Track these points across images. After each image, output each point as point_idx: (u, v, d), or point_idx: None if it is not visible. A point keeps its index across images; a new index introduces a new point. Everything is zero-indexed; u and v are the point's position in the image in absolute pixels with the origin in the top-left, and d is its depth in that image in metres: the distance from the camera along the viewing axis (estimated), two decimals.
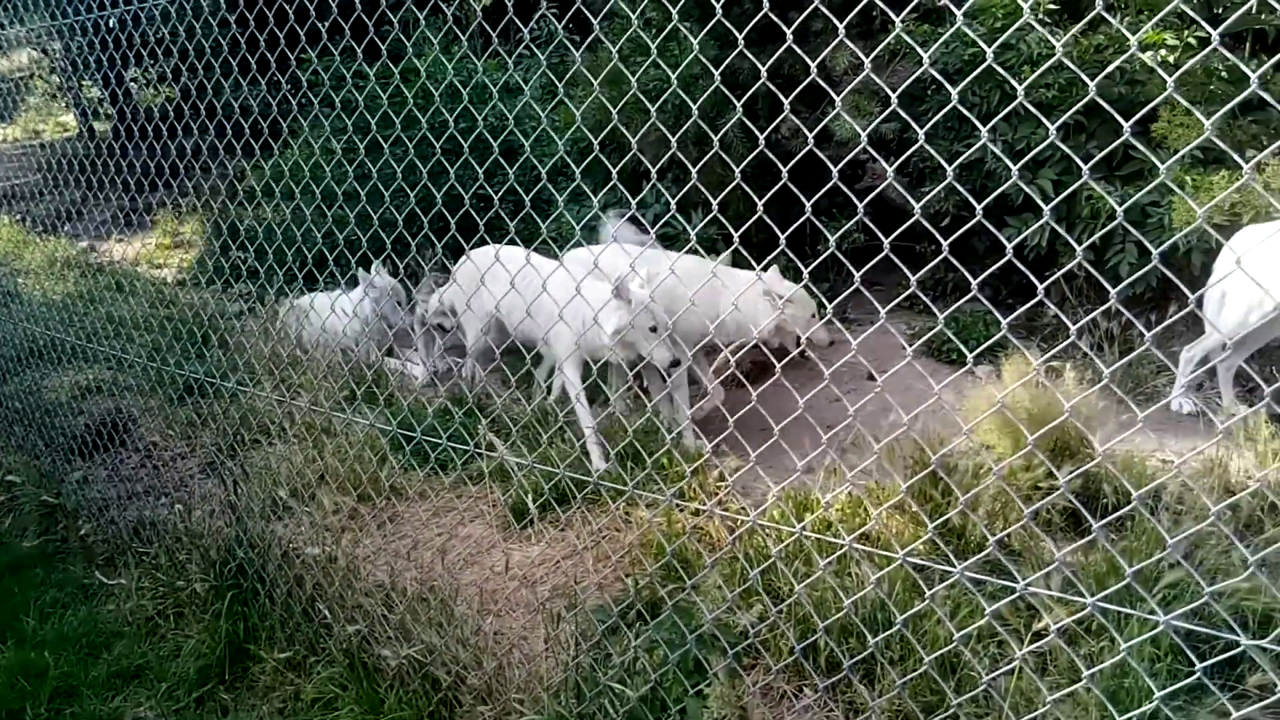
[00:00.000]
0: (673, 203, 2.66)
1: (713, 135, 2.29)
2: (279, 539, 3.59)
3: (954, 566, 2.29)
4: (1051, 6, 4.74)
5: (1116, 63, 1.88)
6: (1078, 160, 1.95)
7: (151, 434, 5.18)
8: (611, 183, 2.47)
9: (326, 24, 2.79)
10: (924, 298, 2.10)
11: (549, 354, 4.57)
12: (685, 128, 2.45)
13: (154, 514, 4.26)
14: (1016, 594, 2.11)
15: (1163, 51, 4.47)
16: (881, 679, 2.64)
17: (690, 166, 2.30)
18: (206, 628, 3.56)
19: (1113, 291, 1.76)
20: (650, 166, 2.44)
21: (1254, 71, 1.65)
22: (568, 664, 2.91)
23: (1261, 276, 3.63)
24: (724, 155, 2.30)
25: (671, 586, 2.94)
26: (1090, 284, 4.84)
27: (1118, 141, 1.95)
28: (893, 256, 2.08)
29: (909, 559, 2.41)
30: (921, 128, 1.97)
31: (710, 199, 2.43)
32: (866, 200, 2.16)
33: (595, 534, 3.57)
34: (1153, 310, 4.66)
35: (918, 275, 2.09)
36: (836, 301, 2.31)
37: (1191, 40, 4.47)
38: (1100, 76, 1.91)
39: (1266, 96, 1.58)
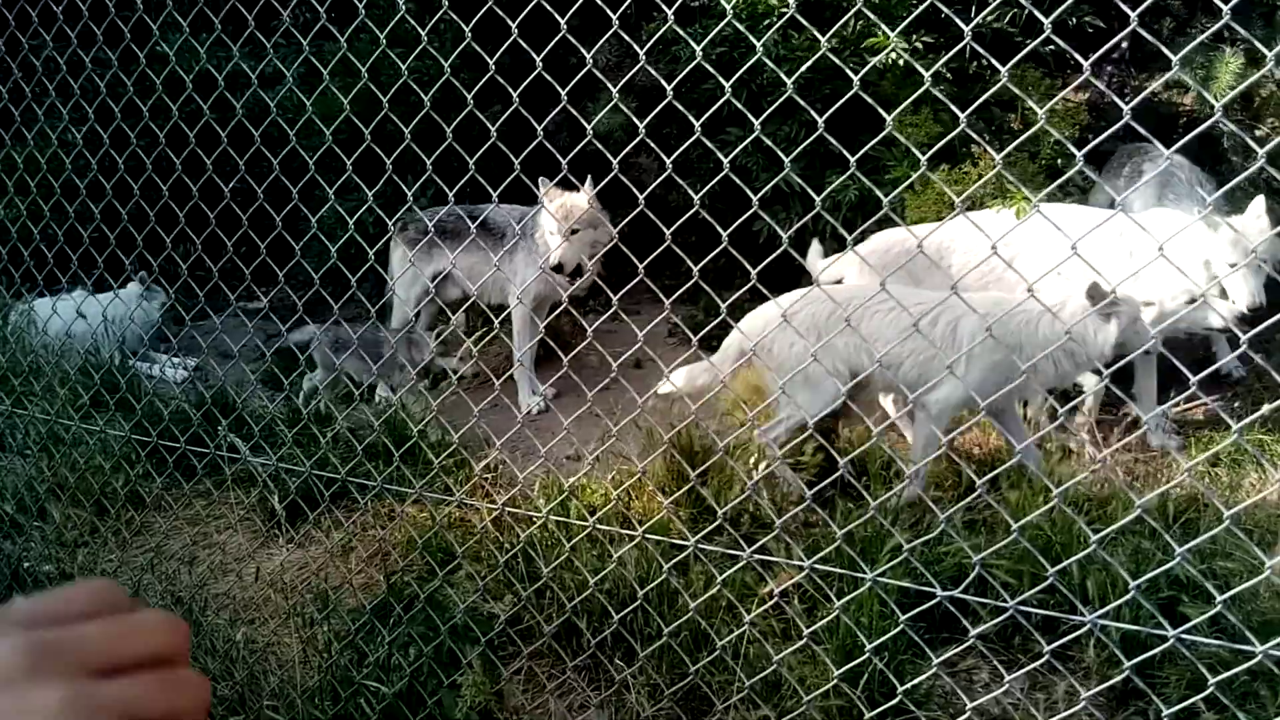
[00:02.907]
0: (450, 193, 2.62)
1: (490, 126, 2.26)
2: (7, 557, 3.25)
3: (688, 541, 2.42)
4: (784, 10, 4.99)
5: (873, 61, 2.01)
6: (846, 153, 2.08)
7: None
8: (387, 174, 2.39)
9: (61, 6, 2.53)
10: (704, 285, 2.17)
11: None
12: (458, 120, 2.40)
13: None
14: (742, 562, 2.27)
15: (891, 53, 4.82)
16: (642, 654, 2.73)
17: (467, 157, 2.26)
18: None
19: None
20: (425, 158, 2.37)
21: (1004, 68, 1.83)
22: (322, 667, 2.86)
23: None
24: (501, 146, 2.27)
25: (437, 582, 2.91)
26: None
27: (882, 134, 2.08)
28: (675, 248, 2.14)
29: (649, 535, 2.54)
30: (680, 123, 2.04)
31: (490, 190, 2.40)
32: (646, 193, 2.20)
33: (351, 534, 3.46)
34: None
35: (700, 265, 2.17)
36: (621, 293, 2.36)
37: (918, 44, 4.84)
38: (863, 72, 2.05)
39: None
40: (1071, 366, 3.36)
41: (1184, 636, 1.78)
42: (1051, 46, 2.33)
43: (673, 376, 3.59)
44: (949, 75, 4.77)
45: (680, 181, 2.26)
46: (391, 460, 2.98)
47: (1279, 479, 3.25)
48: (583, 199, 4.31)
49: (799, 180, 4.59)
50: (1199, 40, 1.79)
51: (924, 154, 2.08)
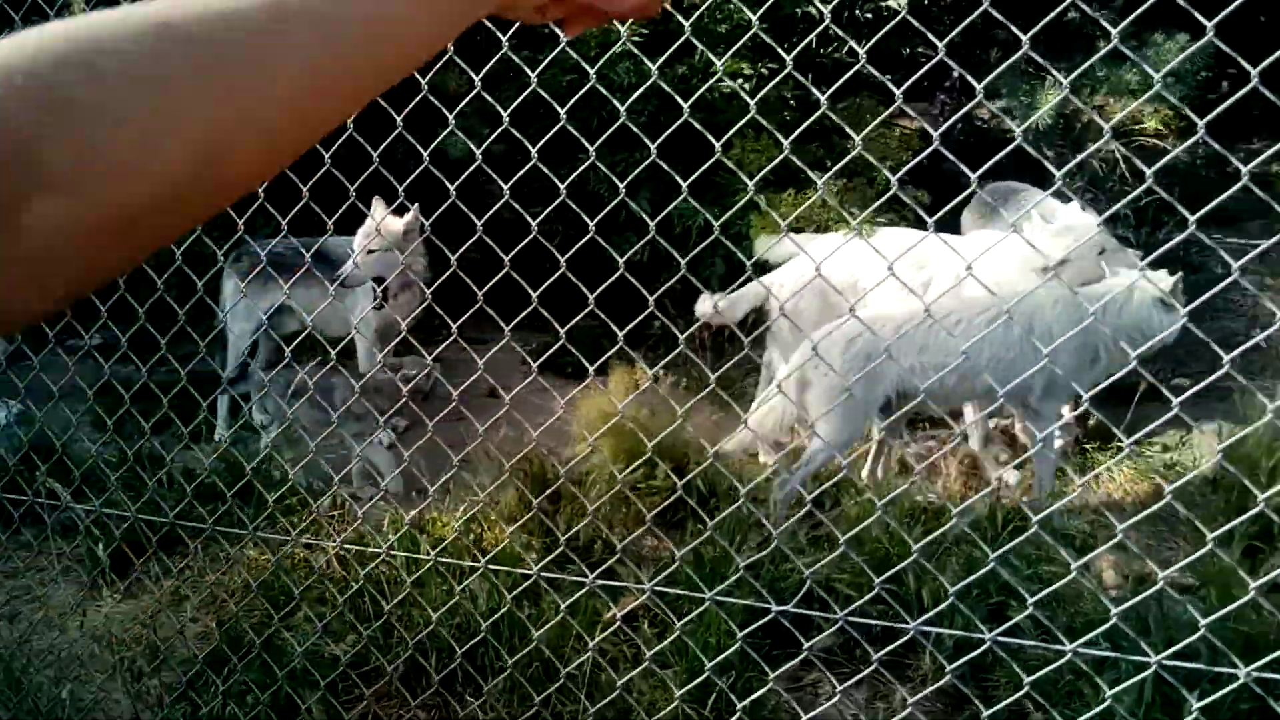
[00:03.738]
0: (284, 223, 2.54)
1: (323, 153, 2.21)
2: None
3: (531, 570, 2.41)
4: (637, 39, 5.08)
5: (702, 89, 2.06)
6: (679, 179, 2.11)
7: None
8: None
9: None
10: (546, 313, 2.17)
11: None
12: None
13: None
14: (586, 588, 2.28)
15: (740, 81, 4.95)
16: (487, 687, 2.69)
17: (299, 184, 2.20)
18: None
19: (713, 298, 1.92)
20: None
21: (824, 95, 1.89)
22: None
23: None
24: (336, 173, 2.23)
25: (274, 626, 2.81)
26: (684, 296, 5.25)
27: (710, 161, 2.13)
28: (514, 275, 2.14)
29: (493, 566, 2.52)
30: (533, 148, 2.04)
31: (326, 219, 2.34)
32: (485, 218, 2.19)
33: (183, 581, 3.30)
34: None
35: (538, 291, 2.16)
36: (460, 321, 2.34)
37: (764, 70, 4.99)
38: (691, 101, 2.09)
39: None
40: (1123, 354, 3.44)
41: (1002, 639, 1.86)
42: (888, 75, 2.47)
43: (750, 422, 3.59)
44: (793, 103, 4.93)
45: (517, 206, 2.25)
46: (228, 501, 2.86)
47: (1080, 484, 3.44)
48: (393, 223, 4.33)
49: (638, 207, 4.66)
50: (999, 70, 1.92)
51: (768, 179, 2.15)
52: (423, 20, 0.68)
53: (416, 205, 4.12)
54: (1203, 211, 1.74)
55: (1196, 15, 1.64)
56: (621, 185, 2.06)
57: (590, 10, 0.82)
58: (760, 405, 3.82)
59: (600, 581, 2.21)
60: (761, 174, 2.20)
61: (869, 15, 5.09)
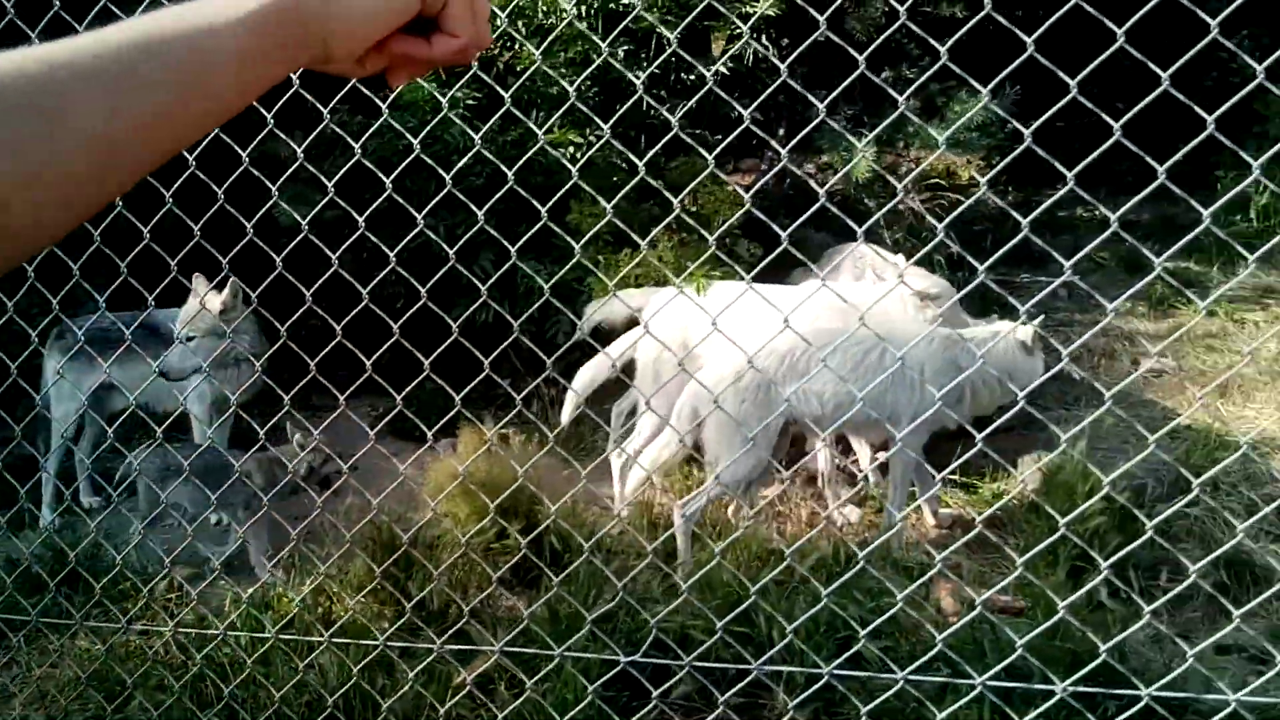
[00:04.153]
0: (101, 298, 2.45)
1: (142, 228, 2.16)
2: None
3: (377, 640, 2.37)
4: (471, 102, 5.12)
5: (530, 151, 2.11)
6: (508, 244, 2.15)
7: None
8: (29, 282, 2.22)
9: None
10: (381, 380, 2.16)
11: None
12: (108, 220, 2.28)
13: None
14: (434, 654, 2.26)
15: (570, 148, 5.05)
16: None
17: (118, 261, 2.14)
18: None
19: (548, 361, 1.96)
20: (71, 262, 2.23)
21: (641, 159, 1.97)
22: None
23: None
24: (155, 248, 2.18)
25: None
26: (533, 355, 5.27)
27: (537, 226, 2.17)
28: (345, 343, 2.12)
29: (336, 640, 2.47)
30: (363, 215, 2.05)
31: (144, 292, 2.28)
32: (314, 288, 2.17)
33: (10, 679, 3.09)
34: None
35: (372, 359, 2.15)
36: (298, 388, 2.30)
37: (593, 138, 5.11)
38: (517, 165, 2.14)
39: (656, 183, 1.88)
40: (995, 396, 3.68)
41: (841, 672, 1.93)
42: (719, 136, 2.61)
43: (642, 459, 3.76)
44: (624, 166, 5.06)
45: (345, 274, 2.24)
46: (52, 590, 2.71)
47: (900, 519, 3.62)
48: (209, 304, 4.20)
49: (478, 269, 4.70)
50: (811, 126, 2.08)
51: (607, 239, 2.22)
52: (232, 75, 0.70)
53: (233, 280, 4.02)
54: (1006, 248, 1.88)
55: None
56: (451, 250, 2.09)
57: (410, 60, 0.85)
58: (653, 446, 3.93)
59: (449, 646, 2.19)
60: (590, 234, 2.26)
61: (692, 78, 5.29)
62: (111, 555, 3.06)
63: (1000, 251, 1.94)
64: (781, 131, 6.13)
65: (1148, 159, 1.90)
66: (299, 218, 2.23)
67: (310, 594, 2.92)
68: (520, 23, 5.23)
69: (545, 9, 5.15)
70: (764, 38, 5.73)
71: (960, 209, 2.26)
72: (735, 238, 5.11)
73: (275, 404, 5.04)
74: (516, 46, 5.05)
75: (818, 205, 1.97)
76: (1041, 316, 3.82)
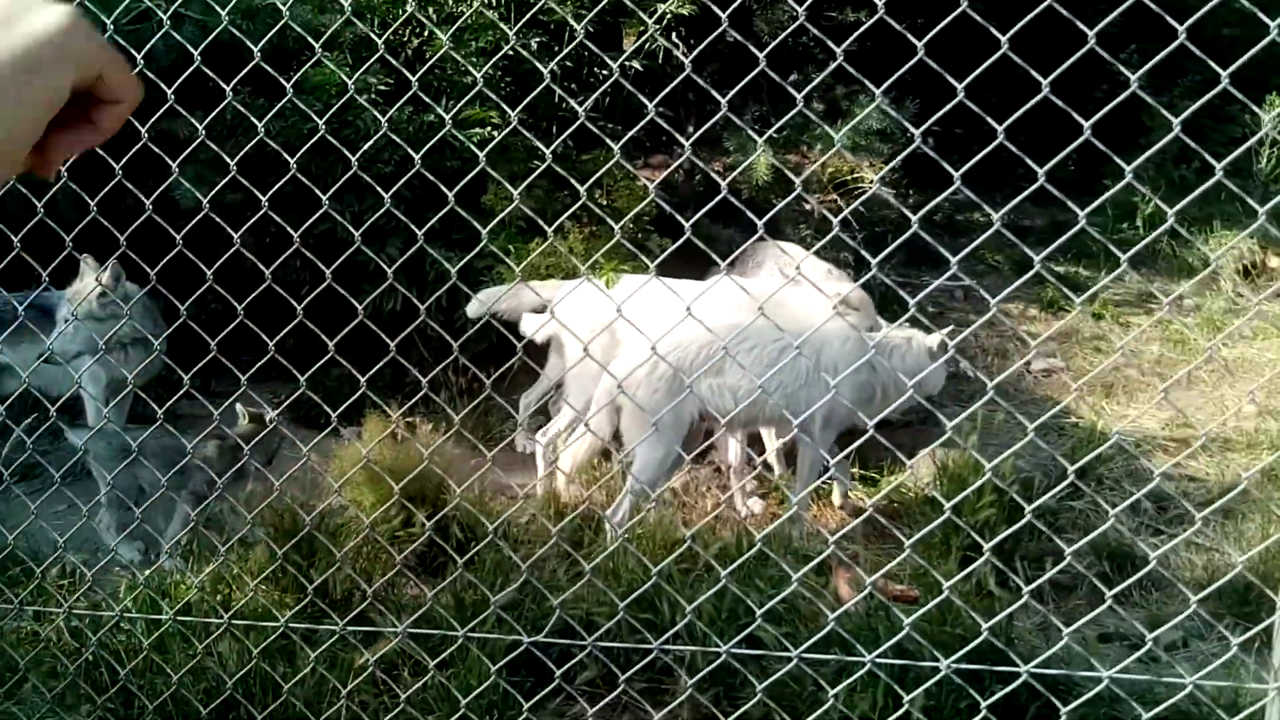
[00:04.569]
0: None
1: (36, 200, 2.10)
2: None
3: (278, 621, 2.36)
4: (383, 88, 5.07)
5: (435, 138, 2.13)
6: (415, 229, 2.16)
7: None
8: None
9: None
10: (285, 362, 2.14)
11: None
12: None
13: None
14: (336, 635, 2.27)
15: (486, 129, 5.03)
16: None
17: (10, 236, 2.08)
18: None
19: (455, 345, 1.97)
20: None
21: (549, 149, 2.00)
22: None
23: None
24: (49, 223, 2.12)
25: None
26: (442, 343, 5.24)
27: (443, 211, 2.18)
28: (248, 323, 2.10)
29: (236, 622, 2.45)
30: (266, 197, 2.03)
31: (39, 270, 2.22)
32: (214, 268, 2.14)
33: None
34: (493, 364, 5.18)
35: (275, 339, 2.13)
36: (196, 369, 2.27)
37: (510, 122, 5.09)
38: (424, 150, 2.15)
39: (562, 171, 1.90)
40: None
41: (738, 651, 1.99)
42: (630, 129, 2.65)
43: (562, 463, 3.86)
44: (544, 153, 5.06)
45: (248, 254, 2.22)
46: None
47: (791, 509, 3.74)
48: (88, 286, 4.14)
49: (379, 253, 4.65)
50: (714, 121, 2.15)
51: (521, 226, 2.22)
52: None
53: (112, 261, 3.93)
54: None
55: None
56: (357, 233, 2.08)
57: (73, 143, 0.77)
58: (572, 441, 4.06)
59: (353, 628, 2.18)
60: (498, 219, 2.28)
61: (605, 72, 5.32)
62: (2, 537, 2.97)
63: (891, 247, 2.03)
64: (691, 129, 6.20)
65: (1029, 161, 2.00)
66: (200, 197, 2.19)
67: (209, 580, 2.87)
68: (430, 9, 5.20)
69: None
70: (674, 35, 5.79)
71: (852, 206, 2.35)
72: (647, 233, 5.16)
73: (174, 386, 4.95)
74: (425, 33, 5.02)
75: (720, 197, 2.02)
76: (951, 327, 3.97)
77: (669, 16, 5.46)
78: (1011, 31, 1.98)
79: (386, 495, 3.45)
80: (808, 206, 6.28)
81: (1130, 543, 3.29)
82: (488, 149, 2.24)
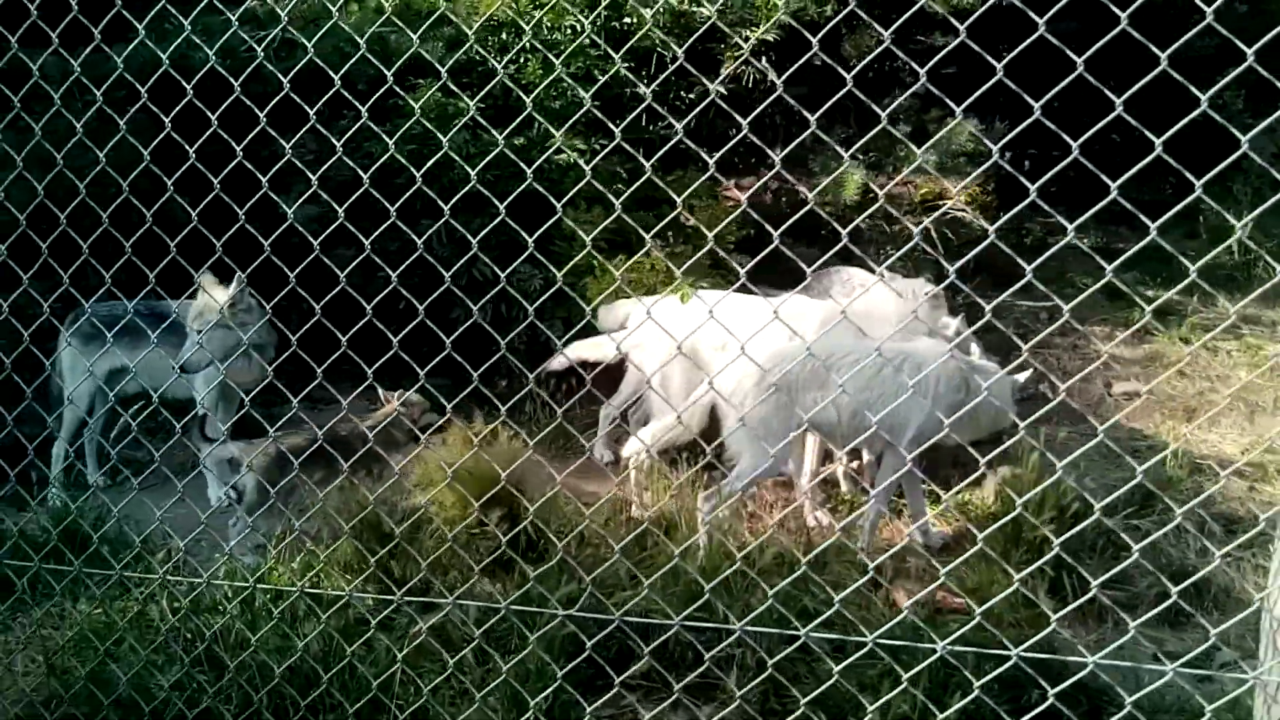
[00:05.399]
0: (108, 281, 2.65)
1: (146, 211, 2.36)
2: None
3: (344, 591, 2.54)
4: (477, 113, 5.31)
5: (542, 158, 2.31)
6: (526, 236, 2.34)
7: None
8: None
9: None
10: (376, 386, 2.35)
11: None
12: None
13: None
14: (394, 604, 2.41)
15: (574, 154, 5.25)
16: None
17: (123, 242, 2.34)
18: None
19: (530, 376, 2.14)
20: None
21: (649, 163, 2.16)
22: None
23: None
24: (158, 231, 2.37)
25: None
26: (528, 355, 5.45)
27: (549, 223, 2.36)
28: (350, 352, 2.31)
29: (309, 591, 2.62)
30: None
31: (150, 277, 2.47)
32: (325, 300, 2.36)
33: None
34: (575, 378, 5.37)
35: (374, 366, 2.34)
36: (302, 395, 2.52)
37: (596, 146, 5.30)
38: (535, 165, 2.36)
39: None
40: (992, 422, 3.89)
41: (750, 629, 2.14)
42: (714, 152, 2.78)
43: (641, 435, 4.13)
44: (624, 175, 5.26)
45: (332, 266, 2.43)
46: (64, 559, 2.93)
47: (839, 528, 3.77)
48: (216, 299, 4.42)
49: (480, 271, 4.89)
50: (794, 145, 2.25)
51: (601, 245, 2.39)
52: None
53: (238, 276, 4.22)
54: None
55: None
56: (417, 247, 2.27)
57: None
58: (653, 425, 4.34)
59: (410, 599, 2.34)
60: (594, 234, 2.47)
61: (692, 96, 5.49)
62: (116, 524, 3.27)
63: (965, 258, 2.10)
64: (779, 150, 6.31)
65: (1102, 176, 1.99)
66: (299, 216, 2.42)
67: (300, 566, 3.11)
68: (525, 37, 5.44)
69: (550, 25, 5.35)
70: (764, 60, 5.92)
71: (928, 219, 2.43)
72: (729, 252, 5.30)
73: (277, 392, 5.26)
74: (521, 60, 5.25)
75: (806, 209, 2.13)
76: (1029, 371, 4.01)
77: (759, 42, 5.58)
78: (1088, 54, 1.97)
79: (467, 498, 3.66)
80: (896, 228, 6.32)
81: (1195, 564, 3.28)
82: (588, 168, 2.43)
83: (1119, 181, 1.98)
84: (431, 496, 3.48)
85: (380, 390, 4.16)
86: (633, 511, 4.08)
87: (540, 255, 5.31)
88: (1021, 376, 4.00)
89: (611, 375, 4.89)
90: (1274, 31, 1.84)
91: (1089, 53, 1.98)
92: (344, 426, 3.82)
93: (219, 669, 2.88)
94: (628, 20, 5.46)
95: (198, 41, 3.49)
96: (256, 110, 2.42)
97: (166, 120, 2.50)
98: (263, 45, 4.58)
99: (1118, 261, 2.05)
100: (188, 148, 2.44)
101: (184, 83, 2.51)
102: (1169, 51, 1.89)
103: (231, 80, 2.53)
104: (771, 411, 3.81)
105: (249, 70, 3.06)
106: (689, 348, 4.25)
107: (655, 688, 2.98)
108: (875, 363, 3.78)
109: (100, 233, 2.62)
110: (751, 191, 6.25)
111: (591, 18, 5.22)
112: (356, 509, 3.36)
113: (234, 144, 2.44)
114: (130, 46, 2.70)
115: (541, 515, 3.51)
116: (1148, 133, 1.95)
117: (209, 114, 2.44)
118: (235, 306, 4.45)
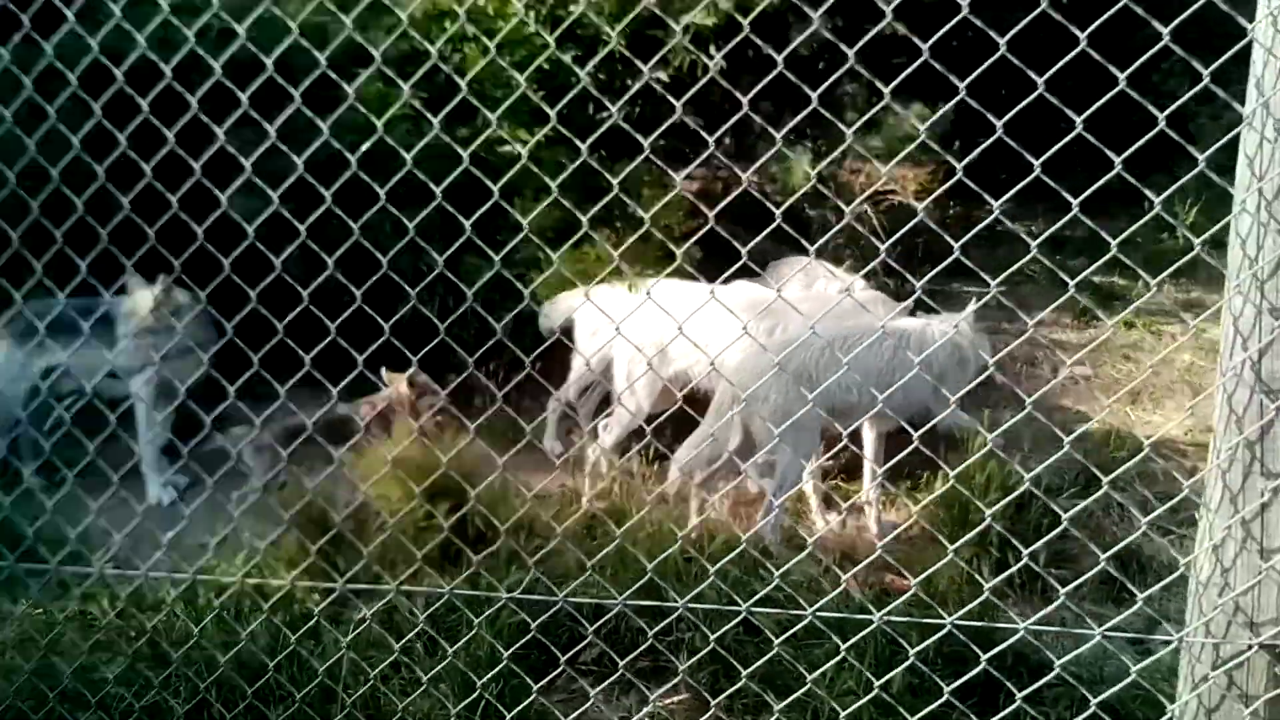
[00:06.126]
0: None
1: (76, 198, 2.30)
2: None
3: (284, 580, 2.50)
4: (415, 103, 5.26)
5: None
6: (477, 238, 2.32)
7: None
8: None
9: None
10: (318, 375, 2.33)
11: None
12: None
13: None
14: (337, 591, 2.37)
15: (517, 145, 5.19)
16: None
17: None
18: None
19: (470, 361, 2.12)
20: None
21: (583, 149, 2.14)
22: None
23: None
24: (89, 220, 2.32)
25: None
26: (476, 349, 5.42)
27: (480, 212, 2.33)
28: (288, 340, 2.28)
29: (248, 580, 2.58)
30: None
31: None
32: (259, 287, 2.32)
33: None
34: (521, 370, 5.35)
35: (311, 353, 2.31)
36: (238, 385, 2.46)
37: (544, 138, 5.26)
38: (470, 149, 2.30)
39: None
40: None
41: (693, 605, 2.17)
42: (662, 142, 2.76)
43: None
44: (574, 166, 5.22)
45: (286, 275, 2.39)
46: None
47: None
48: (146, 301, 4.39)
49: (426, 263, 4.83)
50: (729, 126, 2.26)
51: (548, 236, 2.36)
52: None
53: (162, 276, 4.17)
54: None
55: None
56: (355, 235, 2.24)
57: None
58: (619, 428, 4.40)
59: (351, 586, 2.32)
60: (531, 220, 2.44)
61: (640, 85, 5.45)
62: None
63: (897, 236, 2.11)
64: (727, 141, 6.32)
65: (1026, 155, 1.99)
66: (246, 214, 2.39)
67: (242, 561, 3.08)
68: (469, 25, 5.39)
69: (494, 12, 5.31)
70: (711, 48, 5.91)
71: (860, 207, 2.44)
72: (675, 241, 5.30)
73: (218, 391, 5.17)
74: (464, 49, 5.20)
75: (740, 190, 2.12)
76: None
77: (704, 29, 5.57)
78: (1010, 34, 1.99)
79: (412, 491, 3.62)
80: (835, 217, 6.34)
81: (1138, 544, 3.33)
82: (524, 157, 2.40)
83: (1041, 160, 1.98)
84: (375, 488, 3.44)
85: (385, 371, 4.29)
86: (583, 503, 4.07)
87: (487, 247, 5.32)
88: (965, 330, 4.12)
89: (562, 365, 4.88)
90: (1187, 12, 1.84)
91: (1009, 35, 1.98)
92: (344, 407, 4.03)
93: (164, 663, 2.85)
94: (574, 8, 5.42)
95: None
96: (189, 96, 2.37)
97: (97, 108, 2.44)
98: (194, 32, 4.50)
99: (1039, 240, 2.08)
100: (118, 134, 2.38)
101: (115, 69, 2.46)
102: (1088, 31, 1.89)
103: (163, 66, 2.48)
104: (799, 400, 3.70)
105: (179, 58, 2.99)
106: (654, 342, 4.24)
107: (608, 672, 2.97)
108: (888, 342, 3.88)
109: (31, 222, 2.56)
110: (701, 181, 6.24)
111: (530, 2, 5.18)
112: (297, 499, 3.33)
113: (166, 132, 2.38)
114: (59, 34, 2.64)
115: (490, 507, 3.50)
116: (1068, 111, 1.96)
117: (140, 101, 2.39)
118: (161, 309, 4.39)
